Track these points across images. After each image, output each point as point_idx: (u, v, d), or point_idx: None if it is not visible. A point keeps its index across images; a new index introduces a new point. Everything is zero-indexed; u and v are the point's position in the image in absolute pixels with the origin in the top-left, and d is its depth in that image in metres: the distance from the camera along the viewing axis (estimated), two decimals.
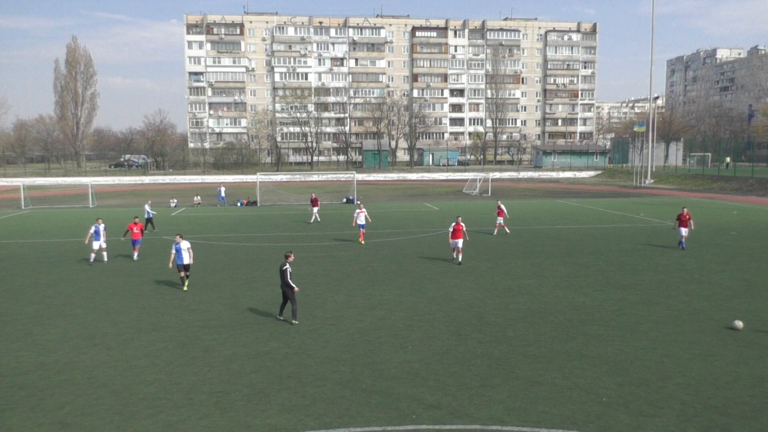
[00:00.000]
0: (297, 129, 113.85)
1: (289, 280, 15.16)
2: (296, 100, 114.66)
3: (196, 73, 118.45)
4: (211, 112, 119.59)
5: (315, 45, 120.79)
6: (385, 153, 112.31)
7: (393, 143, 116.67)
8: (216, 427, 9.61)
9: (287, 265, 15.23)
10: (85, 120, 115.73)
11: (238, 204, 50.29)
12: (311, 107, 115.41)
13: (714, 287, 18.73)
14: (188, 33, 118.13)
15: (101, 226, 23.85)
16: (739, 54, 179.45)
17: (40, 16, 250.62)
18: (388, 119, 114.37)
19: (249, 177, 76.20)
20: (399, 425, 9.56)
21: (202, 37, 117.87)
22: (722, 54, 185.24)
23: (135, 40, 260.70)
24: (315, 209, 37.05)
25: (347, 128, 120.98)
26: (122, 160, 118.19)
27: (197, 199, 51.20)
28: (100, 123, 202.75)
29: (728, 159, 77.10)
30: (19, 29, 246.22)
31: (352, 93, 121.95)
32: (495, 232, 30.92)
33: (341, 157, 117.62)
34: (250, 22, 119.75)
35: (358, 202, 28.60)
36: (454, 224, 23.30)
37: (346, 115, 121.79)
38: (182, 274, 18.98)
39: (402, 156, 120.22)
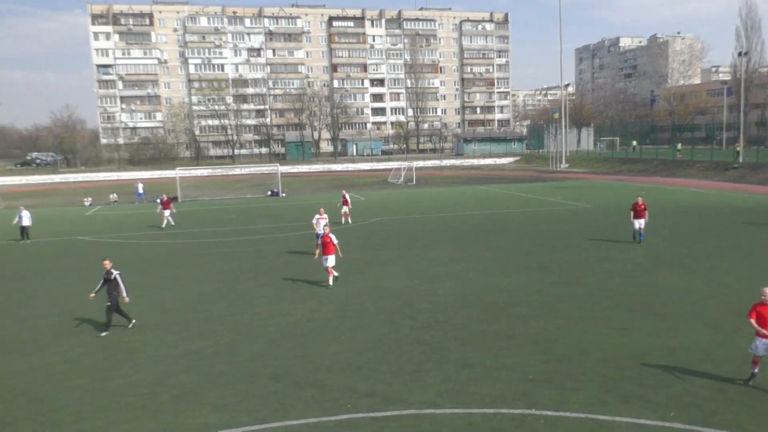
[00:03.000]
0: (216, 122, 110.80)
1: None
2: (213, 92, 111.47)
3: (104, 66, 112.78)
4: (124, 106, 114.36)
5: (230, 35, 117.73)
6: (309, 144, 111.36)
7: (316, 134, 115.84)
8: (144, 429, 9.31)
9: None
10: None
11: (158, 201, 48.46)
12: (229, 99, 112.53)
13: (627, 264, 19.85)
14: (93, 24, 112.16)
15: None
16: (640, 42, 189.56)
17: None
18: (309, 110, 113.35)
19: (168, 172, 73.60)
20: (334, 416, 9.59)
21: (109, 28, 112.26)
22: (625, 42, 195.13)
23: (36, 32, 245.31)
24: (167, 212, 32.21)
25: (268, 120, 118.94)
26: (29, 158, 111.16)
27: (113, 196, 48.99)
28: (2, 119, 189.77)
29: (634, 143, 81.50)
30: None
31: (271, 84, 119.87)
32: (344, 221, 31.23)
33: (263, 150, 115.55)
34: (160, 12, 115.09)
35: (321, 209, 23.72)
36: (321, 235, 18.87)
37: (266, 106, 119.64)
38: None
39: (326, 147, 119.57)
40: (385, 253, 23.12)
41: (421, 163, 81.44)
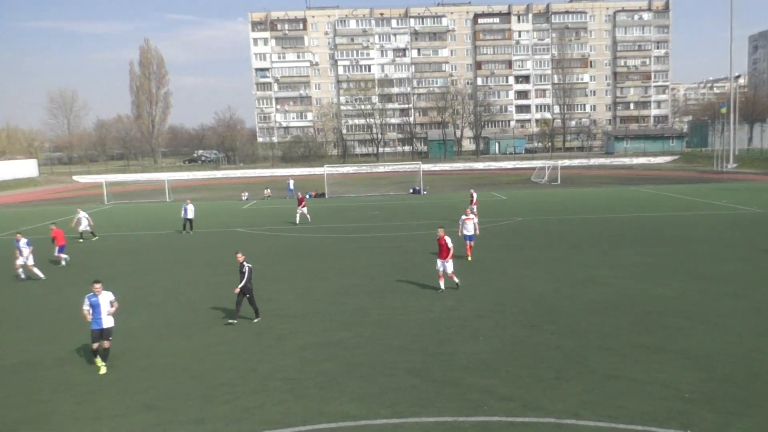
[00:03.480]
0: (362, 121, 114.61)
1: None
2: (360, 92, 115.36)
3: (262, 69, 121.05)
4: (278, 106, 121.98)
5: (377, 36, 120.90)
6: (451, 143, 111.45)
7: (458, 132, 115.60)
8: (291, 413, 9.84)
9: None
10: (160, 118, 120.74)
11: (307, 196, 51.21)
12: (375, 99, 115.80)
13: None
14: (253, 30, 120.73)
15: (22, 241, 20.81)
16: None
17: (114, 20, 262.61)
18: (452, 108, 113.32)
19: (316, 170, 77.42)
20: (471, 416, 9.49)
21: (266, 34, 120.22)
22: None
23: (203, 40, 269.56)
24: (304, 209, 33.42)
25: (411, 119, 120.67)
26: (195, 155, 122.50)
27: (267, 192, 52.45)
28: (174, 120, 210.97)
29: None
30: (96, 34, 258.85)
31: (415, 83, 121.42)
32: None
33: (406, 148, 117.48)
34: (312, 16, 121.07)
35: (468, 210, 22.41)
36: (437, 238, 17.47)
37: (410, 105, 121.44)
38: (96, 346, 12.07)
39: (468, 145, 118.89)
40: (527, 254, 22.47)
41: (566, 162, 78.24)
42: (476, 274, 19.39)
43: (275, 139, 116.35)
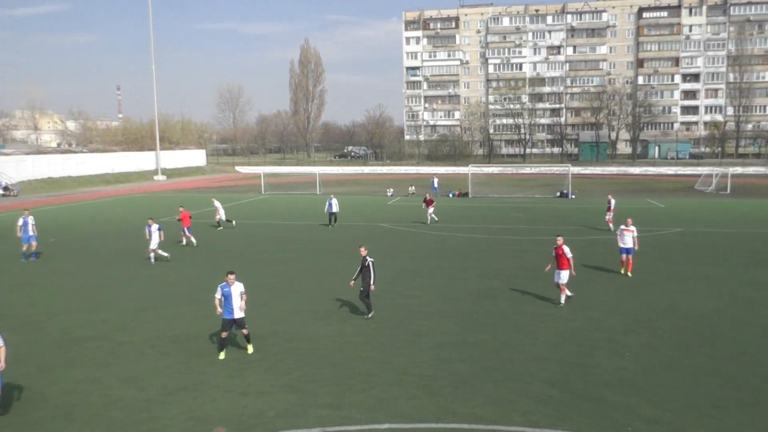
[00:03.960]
0: (510, 120, 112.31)
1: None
2: (510, 91, 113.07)
3: (412, 68, 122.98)
4: (426, 105, 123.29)
5: (530, 34, 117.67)
6: (604, 145, 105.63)
7: (613, 134, 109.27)
8: (424, 409, 9.92)
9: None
10: (315, 114, 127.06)
11: (450, 195, 51.29)
12: (525, 98, 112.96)
13: None
14: (406, 29, 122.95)
15: (154, 226, 22.17)
16: None
17: (278, 21, 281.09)
18: (608, 109, 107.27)
19: (461, 169, 77.25)
20: None
21: (419, 33, 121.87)
22: None
23: (358, 39, 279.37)
24: (430, 210, 33.04)
25: (563, 119, 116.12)
26: (345, 151, 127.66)
27: (412, 189, 53.28)
28: (327, 117, 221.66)
29: None
30: (262, 34, 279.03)
31: (568, 82, 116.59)
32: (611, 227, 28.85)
33: (555, 150, 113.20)
34: (465, 15, 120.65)
35: (629, 220, 20.11)
36: (555, 247, 16.47)
37: (562, 105, 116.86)
38: (225, 335, 12.49)
39: (623, 148, 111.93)
40: (684, 269, 20.70)
41: (739, 170, 70.83)
42: (625, 287, 18.23)
43: (422, 137, 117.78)
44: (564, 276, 15.97)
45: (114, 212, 39.75)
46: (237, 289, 12.39)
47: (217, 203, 31.53)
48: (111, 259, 23.32)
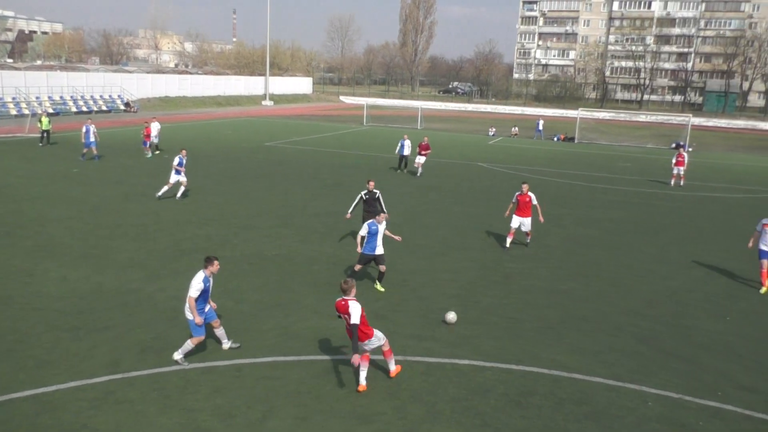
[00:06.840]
0: (629, 64, 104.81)
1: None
2: (633, 31, 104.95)
3: (530, 2, 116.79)
4: (540, 42, 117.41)
5: None
6: (733, 96, 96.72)
7: (746, 85, 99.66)
8: (505, 350, 10.00)
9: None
10: (423, 47, 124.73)
11: (555, 139, 49.40)
12: (650, 40, 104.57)
13: None
14: None
15: (180, 158, 20.18)
16: None
17: None
18: (744, 56, 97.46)
19: (570, 112, 73.85)
20: (700, 398, 8.65)
21: None
22: None
23: None
24: (421, 159, 27.58)
25: (690, 65, 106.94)
26: (450, 87, 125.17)
27: (515, 130, 51.77)
28: (435, 51, 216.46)
29: None
30: None
31: (702, 24, 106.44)
32: (672, 183, 27.29)
33: (677, 98, 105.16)
34: None
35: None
36: (517, 194, 15.84)
37: (691, 49, 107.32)
38: (359, 267, 12.71)
39: (755, 100, 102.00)
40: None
41: None
42: (735, 247, 17.00)
43: (531, 77, 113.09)
44: (528, 223, 15.88)
45: (224, 134, 41.66)
46: (383, 228, 12.46)
47: (155, 124, 30.35)
48: (219, 178, 24.66)
